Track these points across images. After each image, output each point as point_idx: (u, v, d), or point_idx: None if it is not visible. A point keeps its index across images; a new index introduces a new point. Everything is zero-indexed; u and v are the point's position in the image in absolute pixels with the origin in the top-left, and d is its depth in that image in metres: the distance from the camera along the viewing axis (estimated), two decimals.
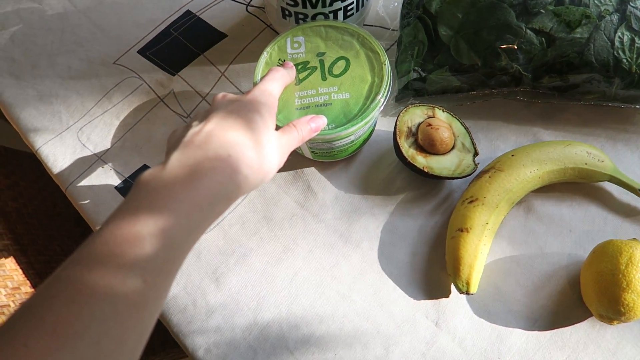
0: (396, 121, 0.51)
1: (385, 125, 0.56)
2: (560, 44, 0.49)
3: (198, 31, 0.65)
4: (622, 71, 0.48)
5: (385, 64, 0.48)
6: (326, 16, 0.55)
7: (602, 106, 0.54)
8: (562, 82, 0.51)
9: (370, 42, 0.50)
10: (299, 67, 0.50)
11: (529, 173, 0.48)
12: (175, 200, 0.32)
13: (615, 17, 0.48)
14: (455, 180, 0.52)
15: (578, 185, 0.51)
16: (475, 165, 0.50)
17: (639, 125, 0.53)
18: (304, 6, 0.54)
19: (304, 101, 0.48)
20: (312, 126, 0.44)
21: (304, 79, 0.49)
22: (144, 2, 0.69)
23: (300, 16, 0.55)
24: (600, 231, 0.49)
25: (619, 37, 0.48)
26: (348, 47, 0.50)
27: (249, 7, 0.66)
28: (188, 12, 0.67)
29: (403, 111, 0.51)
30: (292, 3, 0.54)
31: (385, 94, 0.47)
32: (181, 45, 0.64)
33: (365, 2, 0.58)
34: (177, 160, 0.35)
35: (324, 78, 0.49)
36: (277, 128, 0.46)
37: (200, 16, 0.66)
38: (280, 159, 0.41)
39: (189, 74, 0.62)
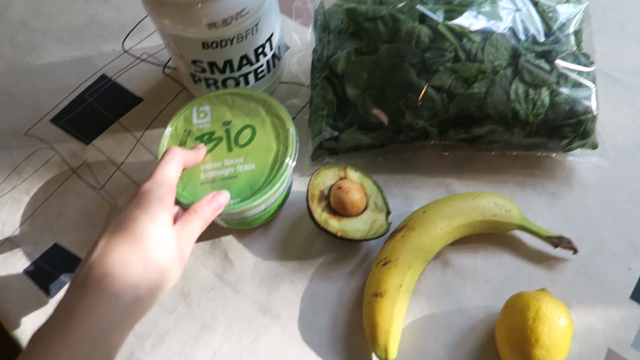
0: (308, 185, 0.51)
1: (303, 186, 0.56)
2: (460, 99, 0.50)
3: (113, 96, 0.64)
4: (521, 122, 0.50)
5: (290, 131, 0.48)
6: (236, 80, 0.55)
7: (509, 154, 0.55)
8: (467, 135, 0.52)
9: (276, 109, 0.50)
10: (205, 138, 0.49)
11: (440, 230, 0.49)
12: (57, 353, 0.32)
13: (509, 71, 0.50)
14: None
15: (491, 235, 0.52)
16: (388, 224, 0.50)
17: (545, 169, 0.55)
18: (212, 72, 0.53)
19: (209, 175, 0.47)
20: (214, 205, 0.43)
21: (210, 150, 0.48)
22: (58, 68, 0.67)
23: (210, 81, 0.55)
24: (514, 280, 0.50)
25: (514, 90, 0.50)
26: (254, 115, 0.50)
27: (165, 69, 0.65)
28: (103, 77, 0.66)
29: (314, 174, 0.51)
30: (199, 69, 0.53)
31: (291, 160, 0.47)
32: (96, 112, 0.63)
33: (276, 63, 0.58)
34: (61, 304, 0.34)
35: (229, 149, 0.48)
36: (183, 205, 0.45)
37: (115, 80, 0.65)
38: (182, 255, 0.39)
39: (104, 143, 0.61)
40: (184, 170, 0.47)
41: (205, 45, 0.49)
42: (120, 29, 0.69)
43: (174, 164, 0.42)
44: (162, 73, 0.65)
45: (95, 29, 0.69)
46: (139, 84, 0.64)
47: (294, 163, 0.48)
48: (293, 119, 0.60)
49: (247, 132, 0.49)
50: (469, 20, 0.50)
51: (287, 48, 0.61)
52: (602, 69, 0.61)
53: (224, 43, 0.49)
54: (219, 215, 0.46)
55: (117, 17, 0.70)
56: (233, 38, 0.49)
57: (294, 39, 0.62)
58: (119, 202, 0.40)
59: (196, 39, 0.48)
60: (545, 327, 0.42)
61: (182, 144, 0.49)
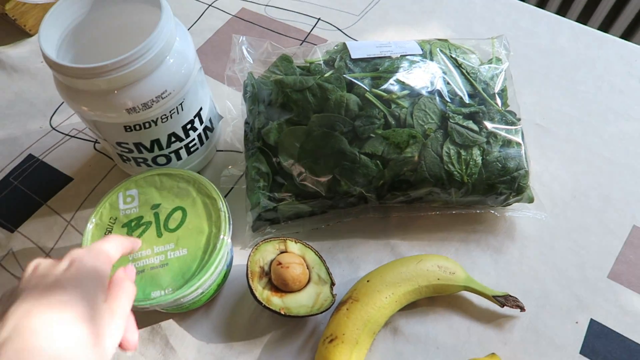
0: (247, 263, 0.48)
1: (244, 259, 0.54)
2: (394, 164, 0.50)
3: (41, 177, 0.61)
4: (456, 182, 0.50)
5: (222, 211, 0.47)
6: (167, 157, 0.53)
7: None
8: (406, 197, 0.52)
9: (206, 188, 0.48)
10: (133, 224, 0.47)
11: (385, 299, 0.47)
12: None
13: (439, 134, 0.50)
14: None
15: (439, 297, 0.51)
16: (333, 296, 0.48)
17: (487, 224, 0.55)
18: (140, 152, 0.51)
19: (138, 264, 0.44)
20: (129, 271, 0.37)
21: (138, 237, 0.46)
22: None
23: (140, 160, 0.53)
24: (466, 342, 0.49)
25: (446, 152, 0.50)
26: (184, 195, 0.48)
27: (96, 145, 0.63)
28: (30, 157, 0.63)
29: (253, 250, 0.49)
30: (126, 150, 0.51)
31: (226, 237, 0.45)
32: (22, 196, 0.60)
33: (210, 135, 0.57)
34: None
35: (159, 234, 0.46)
36: None
37: (43, 160, 0.62)
38: (118, 335, 0.32)
39: (31, 228, 0.57)
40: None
41: (127, 128, 0.47)
42: (47, 105, 0.66)
43: (114, 242, 0.36)
44: (93, 149, 0.63)
45: (20, 106, 0.67)
46: (68, 163, 0.62)
47: (229, 239, 0.46)
48: (231, 188, 0.59)
49: (177, 215, 0.47)
50: (395, 87, 0.50)
51: (221, 117, 0.60)
52: (532, 120, 0.63)
53: (147, 125, 0.47)
54: (155, 305, 0.43)
55: (43, 93, 0.67)
56: (157, 119, 0.47)
57: (228, 106, 0.61)
58: (41, 262, 0.33)
59: (117, 123, 0.46)
60: None
61: (108, 232, 0.46)
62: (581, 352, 0.47)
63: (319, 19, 0.75)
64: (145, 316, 0.51)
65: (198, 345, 0.50)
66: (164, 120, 0.48)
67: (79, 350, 0.28)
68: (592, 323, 0.49)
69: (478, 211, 0.54)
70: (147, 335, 0.50)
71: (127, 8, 0.50)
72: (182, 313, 0.51)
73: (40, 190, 0.60)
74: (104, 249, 0.35)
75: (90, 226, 0.46)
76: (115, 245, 0.37)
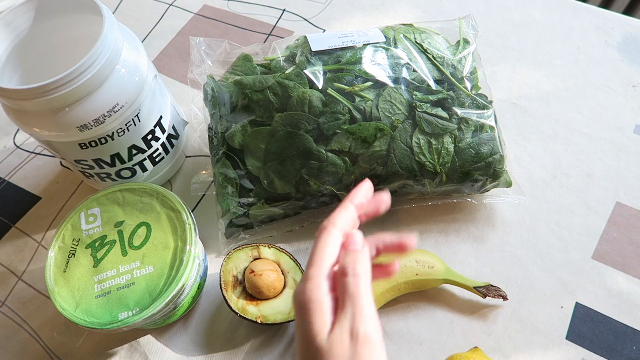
0: (220, 273, 0.47)
1: (219, 267, 0.52)
2: (363, 159, 0.48)
3: (8, 199, 0.59)
4: (429, 173, 0.48)
5: (187, 223, 0.45)
6: (132, 170, 0.52)
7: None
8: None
9: (170, 201, 0.47)
10: (97, 244, 0.45)
11: None
12: None
13: (407, 125, 0.48)
14: None
15: (420, 292, 0.49)
16: None
17: (466, 212, 0.54)
18: (101, 167, 0.50)
19: (103, 286, 0.43)
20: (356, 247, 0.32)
21: (103, 257, 0.44)
22: None
23: (103, 175, 0.51)
24: (449, 336, 0.48)
25: (416, 142, 0.48)
26: (148, 210, 0.46)
27: (62, 161, 0.61)
28: None
29: (225, 260, 0.48)
30: (86, 167, 0.50)
31: (194, 249, 0.44)
32: None
33: (175, 142, 0.55)
34: None
35: (124, 253, 0.44)
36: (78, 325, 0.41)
37: (9, 180, 0.60)
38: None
39: (1, 252, 0.56)
40: (75, 284, 0.43)
41: (83, 145, 0.45)
42: (9, 123, 0.64)
43: (331, 245, 0.31)
44: (60, 165, 0.61)
45: None
46: (35, 181, 0.60)
47: (196, 250, 0.45)
48: (204, 195, 0.57)
49: (142, 231, 0.45)
50: (359, 79, 0.48)
51: (186, 123, 0.58)
52: (508, 99, 0.60)
53: (103, 140, 0.46)
54: (123, 327, 0.42)
55: (3, 112, 0.65)
56: (112, 133, 0.46)
57: (193, 110, 0.59)
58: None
59: (71, 141, 0.44)
60: None
61: (72, 255, 0.45)
62: (567, 338, 0.46)
63: (284, 10, 0.72)
64: (122, 333, 0.50)
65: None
66: (120, 134, 0.46)
67: None
68: (578, 307, 0.48)
69: (455, 200, 0.52)
70: (125, 352, 0.49)
71: (72, 19, 0.48)
72: (160, 328, 0.50)
73: (8, 212, 0.58)
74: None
75: (51, 254, 0.45)
76: (333, 247, 0.31)
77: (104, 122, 0.44)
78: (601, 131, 0.57)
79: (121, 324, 0.41)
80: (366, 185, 0.35)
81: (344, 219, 0.33)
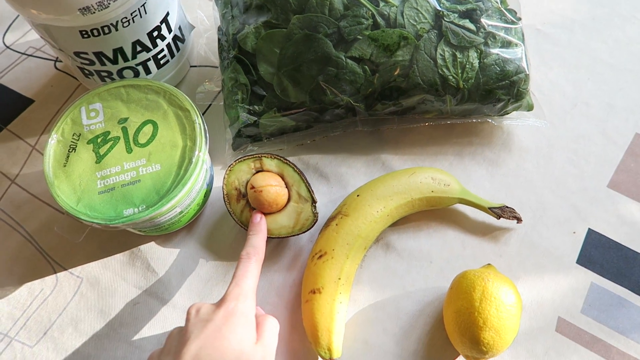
0: (222, 185, 0.45)
1: None
2: (384, 69, 0.45)
3: None
4: (451, 88, 0.46)
5: (197, 123, 0.43)
6: (134, 70, 0.48)
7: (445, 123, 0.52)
8: (397, 107, 0.48)
9: (178, 99, 0.44)
10: (99, 140, 0.42)
11: (376, 213, 0.45)
12: None
13: (432, 35, 0.45)
14: None
15: (432, 212, 0.48)
16: (315, 215, 0.45)
17: (483, 136, 0.52)
18: (102, 63, 0.46)
19: (107, 182, 0.41)
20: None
21: (106, 154, 0.42)
22: None
23: (104, 74, 0.48)
24: (460, 256, 0.47)
25: (440, 54, 0.45)
26: (154, 108, 0.44)
27: (57, 63, 0.57)
28: None
29: (227, 172, 0.45)
30: (87, 62, 0.46)
31: (202, 154, 0.42)
32: None
33: (180, 46, 0.52)
34: None
35: (129, 150, 0.42)
36: (82, 221, 0.39)
37: None
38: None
39: None
40: (77, 179, 0.41)
41: (84, 34, 0.42)
42: None
43: (252, 274, 0.39)
44: (54, 68, 0.57)
45: None
46: (27, 84, 0.56)
47: (206, 155, 0.43)
48: (209, 106, 0.55)
49: (147, 129, 0.43)
50: None
51: (193, 27, 0.54)
52: (532, 25, 0.58)
53: (106, 29, 0.42)
54: (129, 223, 0.40)
55: None
56: (117, 23, 0.42)
57: (199, 16, 0.55)
58: (201, 306, 0.37)
59: (71, 27, 0.41)
60: (493, 308, 0.39)
61: (72, 150, 0.42)
62: (578, 262, 0.46)
63: None
64: (122, 239, 0.48)
65: (181, 268, 0.47)
66: (125, 25, 0.43)
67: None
68: (590, 233, 0.47)
69: (474, 120, 0.50)
70: (127, 259, 0.48)
71: None
72: (163, 235, 0.48)
73: None
74: (250, 286, 0.38)
75: (52, 142, 0.42)
76: (253, 277, 0.39)
77: (108, 6, 0.40)
78: (625, 62, 0.55)
79: (126, 220, 0.39)
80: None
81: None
